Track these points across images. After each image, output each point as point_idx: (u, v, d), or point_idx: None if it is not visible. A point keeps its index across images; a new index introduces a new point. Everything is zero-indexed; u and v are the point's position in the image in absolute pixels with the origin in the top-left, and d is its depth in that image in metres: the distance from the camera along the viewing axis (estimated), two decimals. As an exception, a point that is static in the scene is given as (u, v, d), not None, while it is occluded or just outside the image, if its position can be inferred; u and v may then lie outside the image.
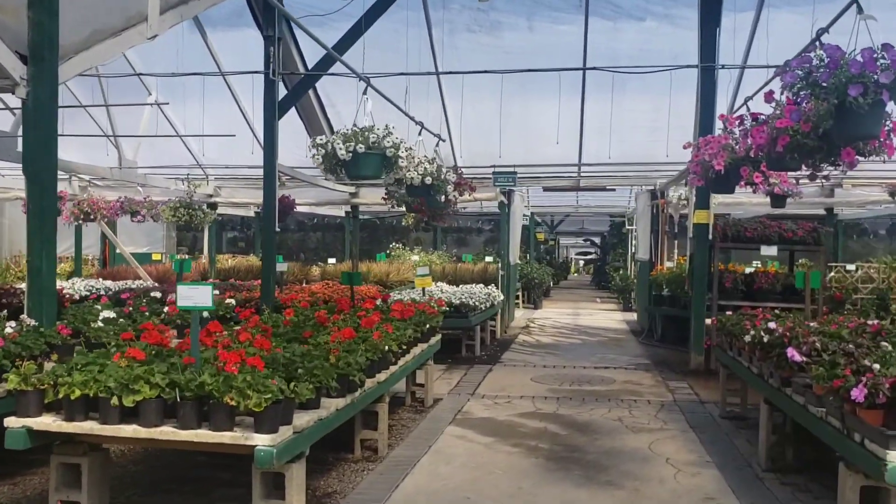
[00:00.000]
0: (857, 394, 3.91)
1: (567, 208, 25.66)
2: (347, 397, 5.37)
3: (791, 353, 5.53)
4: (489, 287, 13.99)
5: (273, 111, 9.80)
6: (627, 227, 23.66)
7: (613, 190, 17.78)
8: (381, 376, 6.24)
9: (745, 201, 14.51)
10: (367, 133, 7.27)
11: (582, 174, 15.33)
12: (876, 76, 4.14)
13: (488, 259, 16.86)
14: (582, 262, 51.97)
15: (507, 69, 11.06)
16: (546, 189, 17.65)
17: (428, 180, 8.44)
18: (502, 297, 14.55)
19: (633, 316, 18.31)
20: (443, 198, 8.91)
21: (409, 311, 7.66)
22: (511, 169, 13.35)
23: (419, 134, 9.31)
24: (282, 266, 11.70)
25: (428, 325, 8.17)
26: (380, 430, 6.46)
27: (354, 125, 7.41)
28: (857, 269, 13.06)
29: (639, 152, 13.95)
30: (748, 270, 12.12)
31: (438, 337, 8.80)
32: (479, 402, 8.61)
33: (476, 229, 28.67)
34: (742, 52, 11.23)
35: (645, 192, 16.17)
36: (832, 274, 13.05)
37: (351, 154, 7.21)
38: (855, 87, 4.14)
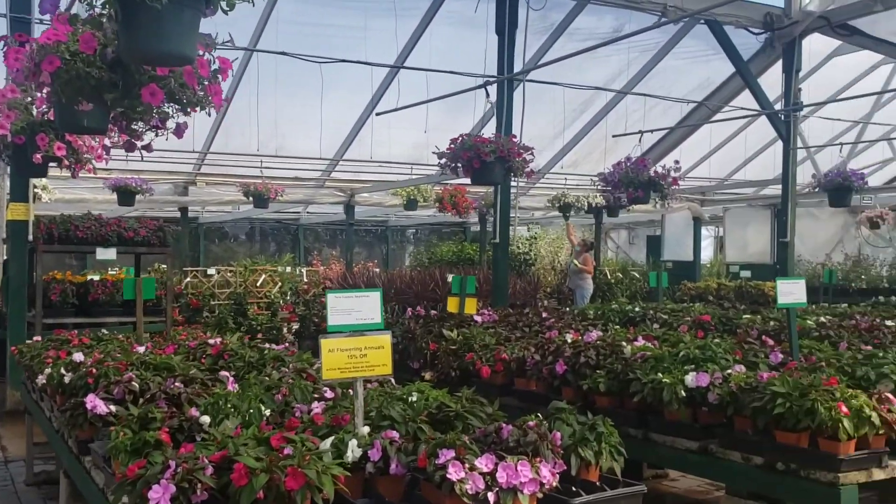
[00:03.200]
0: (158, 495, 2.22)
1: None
2: None
3: (92, 402, 3.68)
4: None
5: None
6: None
7: None
8: None
9: (90, 198, 12.36)
10: None
11: None
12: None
13: None
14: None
15: None
16: None
17: None
18: None
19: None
20: None
21: None
22: None
23: None
24: None
25: None
26: None
27: None
28: (217, 274, 12.36)
29: None
30: (94, 278, 9.97)
31: None
32: None
33: None
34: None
35: None
36: (189, 279, 11.92)
37: None
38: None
